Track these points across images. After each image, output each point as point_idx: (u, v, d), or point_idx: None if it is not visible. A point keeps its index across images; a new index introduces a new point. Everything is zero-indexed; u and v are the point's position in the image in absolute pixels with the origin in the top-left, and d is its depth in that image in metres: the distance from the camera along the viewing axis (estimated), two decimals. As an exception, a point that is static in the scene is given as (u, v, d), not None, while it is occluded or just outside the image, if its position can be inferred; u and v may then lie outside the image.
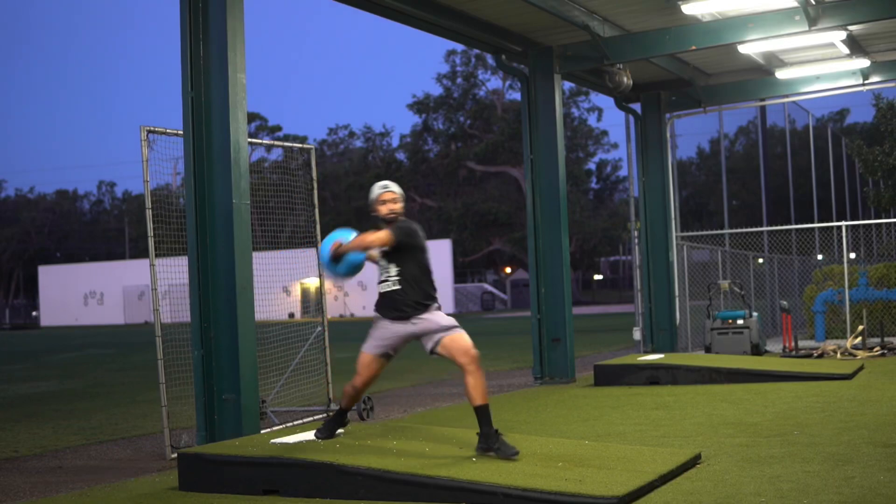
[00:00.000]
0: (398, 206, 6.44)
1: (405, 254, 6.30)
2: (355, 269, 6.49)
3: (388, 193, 6.45)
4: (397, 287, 6.28)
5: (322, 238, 9.84)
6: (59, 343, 33.34)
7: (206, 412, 7.86)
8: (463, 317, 47.37)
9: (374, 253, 6.46)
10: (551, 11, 11.34)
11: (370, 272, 6.68)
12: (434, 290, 6.38)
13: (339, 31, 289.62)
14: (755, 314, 15.01)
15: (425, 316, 6.25)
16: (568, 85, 42.25)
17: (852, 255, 19.95)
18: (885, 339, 14.97)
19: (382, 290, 6.36)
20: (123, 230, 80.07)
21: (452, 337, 6.14)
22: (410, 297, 6.26)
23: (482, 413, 6.05)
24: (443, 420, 9.13)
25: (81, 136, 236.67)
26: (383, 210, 6.43)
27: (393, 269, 6.32)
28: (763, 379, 11.01)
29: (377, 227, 6.48)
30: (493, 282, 71.53)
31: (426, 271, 6.36)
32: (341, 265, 6.43)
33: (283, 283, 9.97)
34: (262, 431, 7.85)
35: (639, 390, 10.98)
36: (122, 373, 18.08)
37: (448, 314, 6.31)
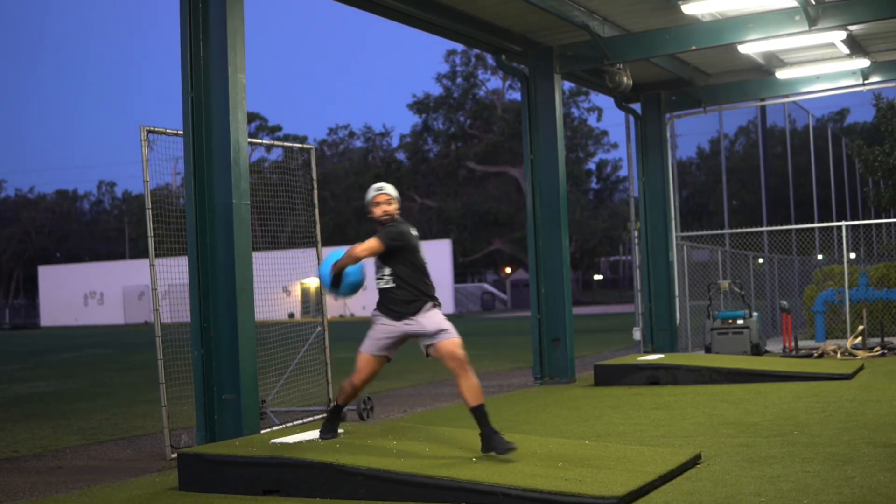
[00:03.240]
0: (392, 208, 6.52)
1: (396, 255, 6.37)
2: (357, 286, 6.54)
3: (382, 195, 6.54)
4: (391, 285, 6.38)
5: (321, 240, 9.86)
6: (59, 343, 33.33)
7: (206, 412, 7.86)
8: (463, 317, 47.35)
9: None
10: (551, 11, 11.34)
11: (370, 273, 6.71)
12: (429, 287, 6.43)
13: (339, 31, 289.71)
14: (755, 314, 15.00)
15: (418, 318, 6.31)
16: (568, 85, 42.21)
17: (852, 255, 19.95)
18: (885, 339, 14.97)
19: (379, 287, 6.46)
20: (123, 230, 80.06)
21: (438, 345, 6.24)
22: (402, 295, 6.34)
23: (478, 414, 6.08)
24: (443, 420, 9.13)
25: (81, 136, 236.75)
26: (377, 212, 6.52)
27: (387, 269, 6.41)
28: (763, 379, 11.01)
29: (374, 230, 6.53)
30: (493, 282, 71.53)
31: (419, 269, 6.41)
32: (343, 286, 6.48)
33: (283, 283, 9.97)
34: (262, 431, 7.84)
35: (639, 390, 10.98)
36: (122, 373, 18.07)
37: (448, 314, 6.34)
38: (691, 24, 12.40)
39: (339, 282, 6.44)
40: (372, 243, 6.33)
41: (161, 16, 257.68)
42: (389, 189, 6.57)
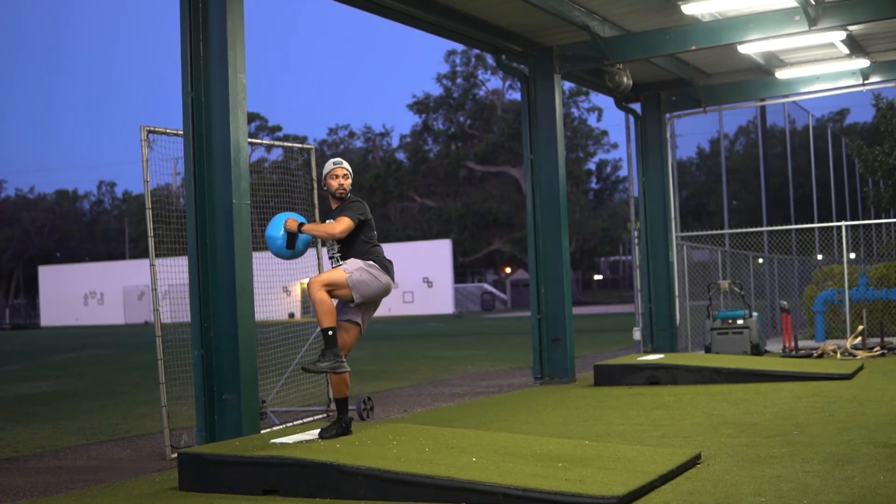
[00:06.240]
0: (348, 183, 6.84)
1: (355, 231, 6.74)
2: (307, 248, 6.91)
3: (339, 169, 6.87)
4: (342, 263, 6.76)
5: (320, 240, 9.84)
6: (59, 343, 33.34)
7: (206, 412, 7.86)
8: (463, 317, 47.32)
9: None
10: (551, 11, 11.34)
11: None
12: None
13: (339, 30, 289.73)
14: (755, 314, 15.01)
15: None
16: (568, 85, 42.21)
17: (852, 255, 19.96)
18: (885, 339, 14.97)
19: (333, 265, 6.84)
20: (123, 230, 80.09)
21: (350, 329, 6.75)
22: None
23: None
24: (443, 420, 9.14)
25: (81, 136, 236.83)
26: (334, 184, 6.82)
27: (337, 245, 6.75)
28: (763, 379, 11.02)
29: (329, 204, 6.95)
30: (493, 282, 71.55)
31: (370, 240, 6.82)
32: (299, 247, 6.80)
33: (283, 283, 9.96)
34: (262, 431, 7.85)
35: (639, 390, 10.98)
36: (122, 373, 18.08)
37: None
38: (691, 24, 12.41)
39: (293, 244, 6.75)
40: (347, 225, 6.62)
41: (161, 16, 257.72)
42: (346, 164, 6.91)
